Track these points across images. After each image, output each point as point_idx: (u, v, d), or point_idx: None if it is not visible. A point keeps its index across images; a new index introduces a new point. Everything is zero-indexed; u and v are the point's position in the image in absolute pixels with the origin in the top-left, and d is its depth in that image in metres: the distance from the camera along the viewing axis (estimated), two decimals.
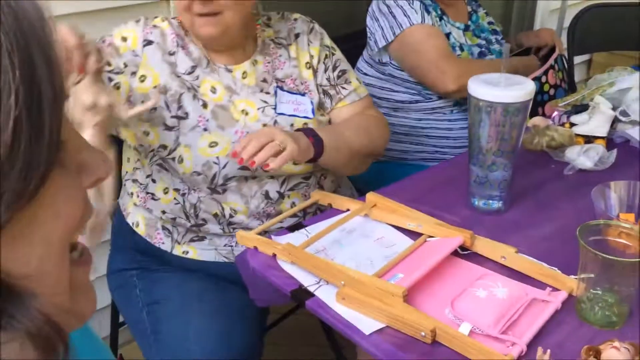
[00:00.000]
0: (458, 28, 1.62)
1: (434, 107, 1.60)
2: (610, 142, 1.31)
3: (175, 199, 1.13)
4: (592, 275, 0.80)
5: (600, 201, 0.99)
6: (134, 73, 1.09)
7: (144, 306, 1.13)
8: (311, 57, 1.21)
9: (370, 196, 1.07)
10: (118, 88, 1.08)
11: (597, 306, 0.81)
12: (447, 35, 1.58)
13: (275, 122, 1.13)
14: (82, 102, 0.85)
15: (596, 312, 0.81)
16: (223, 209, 1.11)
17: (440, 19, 1.58)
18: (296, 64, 1.20)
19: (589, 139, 1.30)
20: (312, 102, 1.18)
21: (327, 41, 1.24)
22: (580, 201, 1.09)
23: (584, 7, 2.41)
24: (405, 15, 1.51)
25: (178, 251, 1.15)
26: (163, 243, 1.16)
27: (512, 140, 1.02)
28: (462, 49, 1.59)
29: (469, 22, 1.67)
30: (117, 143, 1.21)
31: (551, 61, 1.59)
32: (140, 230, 1.18)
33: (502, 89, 0.98)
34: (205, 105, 1.10)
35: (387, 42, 1.54)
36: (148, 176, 1.15)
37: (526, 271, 0.90)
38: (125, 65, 1.08)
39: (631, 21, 2.46)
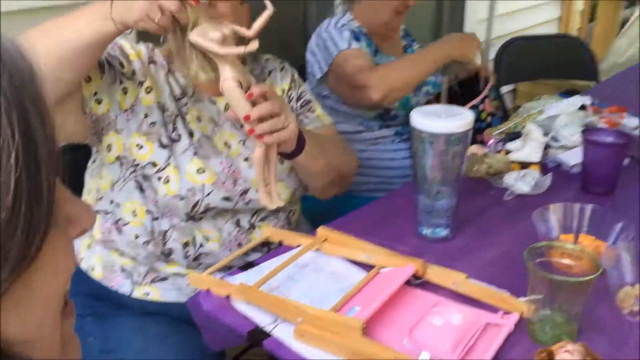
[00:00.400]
0: None
1: (377, 136, 1.64)
2: (544, 166, 1.38)
3: (143, 224, 1.09)
4: (541, 297, 0.83)
5: (541, 224, 1.03)
6: (141, 83, 1.07)
7: (99, 354, 1.08)
8: (283, 91, 1.24)
9: (321, 230, 1.07)
10: (125, 93, 1.05)
11: (547, 326, 0.84)
12: None
13: None
14: (213, 38, 0.89)
15: (547, 332, 0.83)
16: (195, 237, 1.09)
17: (375, 54, 1.63)
18: None
19: (524, 165, 1.36)
20: None
21: (295, 76, 1.28)
22: (520, 225, 1.13)
23: (508, 40, 2.56)
24: (334, 45, 1.55)
25: (139, 293, 1.11)
26: (122, 286, 1.11)
27: (455, 169, 1.05)
28: None
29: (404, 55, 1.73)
30: (76, 183, 1.17)
31: (486, 91, 1.67)
32: (96, 274, 1.13)
33: (443, 119, 1.02)
34: (192, 133, 1.10)
35: (323, 74, 1.57)
36: (112, 202, 1.11)
37: (478, 296, 0.92)
38: (134, 73, 1.06)
39: (551, 52, 2.64)
